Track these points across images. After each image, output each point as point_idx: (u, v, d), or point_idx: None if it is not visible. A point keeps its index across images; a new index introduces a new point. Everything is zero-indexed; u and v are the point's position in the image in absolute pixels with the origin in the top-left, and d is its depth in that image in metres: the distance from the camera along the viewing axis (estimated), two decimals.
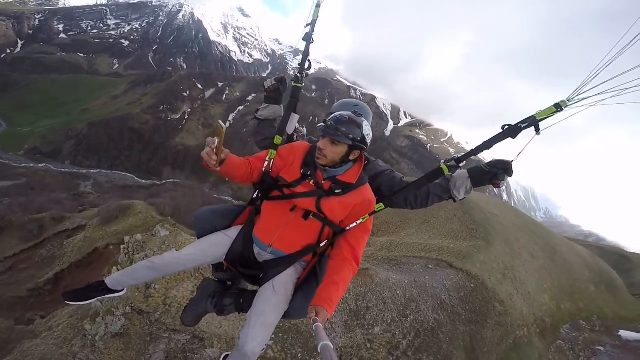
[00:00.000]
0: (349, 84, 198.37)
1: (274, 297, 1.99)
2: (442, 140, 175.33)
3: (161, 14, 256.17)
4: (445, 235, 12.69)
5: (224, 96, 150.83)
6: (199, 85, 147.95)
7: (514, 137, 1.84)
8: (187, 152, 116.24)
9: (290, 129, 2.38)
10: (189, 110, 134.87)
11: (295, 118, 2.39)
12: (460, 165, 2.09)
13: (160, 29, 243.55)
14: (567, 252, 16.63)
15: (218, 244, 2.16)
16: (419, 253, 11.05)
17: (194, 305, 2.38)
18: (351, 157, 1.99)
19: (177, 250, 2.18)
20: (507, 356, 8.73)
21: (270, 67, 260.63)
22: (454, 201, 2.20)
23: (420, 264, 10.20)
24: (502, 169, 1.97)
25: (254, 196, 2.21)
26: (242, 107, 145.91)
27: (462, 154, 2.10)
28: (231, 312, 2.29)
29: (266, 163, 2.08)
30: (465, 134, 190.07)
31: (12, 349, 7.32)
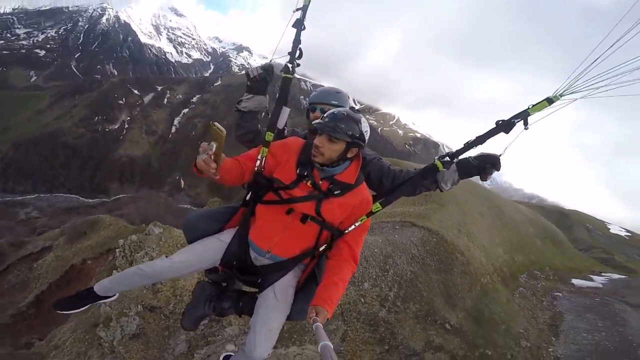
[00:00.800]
0: (298, 77, 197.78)
1: (276, 303, 1.98)
2: (391, 123, 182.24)
3: (80, 19, 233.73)
4: (405, 203, 13.91)
5: (165, 100, 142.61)
6: (136, 91, 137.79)
7: (507, 132, 1.83)
8: (133, 163, 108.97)
9: (281, 124, 2.25)
10: (128, 118, 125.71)
11: (286, 111, 2.25)
12: (454, 160, 2.04)
13: (82, 35, 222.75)
14: (512, 211, 18.47)
15: (211, 249, 2.09)
16: (385, 219, 12.29)
17: (192, 310, 2.34)
18: (349, 155, 1.92)
19: (167, 257, 2.11)
20: (479, 301, 9.85)
21: (212, 66, 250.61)
22: (441, 191, 2.20)
23: (389, 227, 11.43)
24: (490, 163, 1.96)
25: (247, 197, 2.11)
26: (187, 109, 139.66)
27: (456, 150, 2.05)
28: (230, 314, 2.28)
29: (258, 162, 1.97)
30: (411, 115, 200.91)
31: None
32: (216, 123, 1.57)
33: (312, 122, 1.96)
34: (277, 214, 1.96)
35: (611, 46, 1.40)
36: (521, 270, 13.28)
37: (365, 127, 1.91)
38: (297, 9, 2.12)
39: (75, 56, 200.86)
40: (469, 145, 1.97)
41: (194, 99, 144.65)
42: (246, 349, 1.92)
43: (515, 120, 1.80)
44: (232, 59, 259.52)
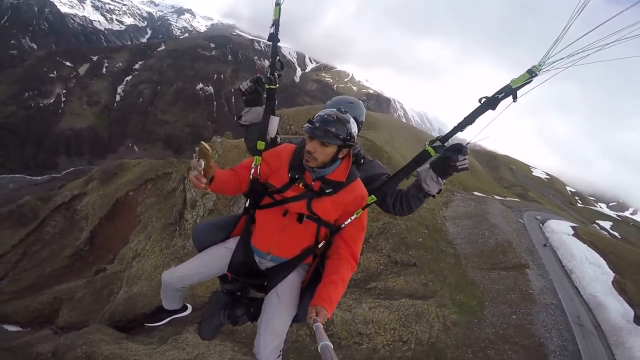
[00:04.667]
0: (251, 37, 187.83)
1: (279, 303, 2.01)
2: (346, 80, 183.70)
3: None
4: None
5: (104, 69, 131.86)
6: (68, 63, 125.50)
7: (493, 108, 1.84)
8: (79, 136, 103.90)
9: (271, 133, 2.32)
10: (64, 91, 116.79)
11: (274, 120, 2.33)
12: (445, 144, 2.07)
13: None
14: None
15: (218, 257, 2.17)
16: None
17: (208, 320, 2.42)
18: (340, 156, 1.96)
19: (175, 266, 2.22)
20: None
21: (149, 31, 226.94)
22: (433, 197, 2.25)
23: None
24: (454, 150, 2.03)
25: (247, 205, 2.19)
26: (130, 77, 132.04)
27: (445, 133, 2.09)
28: (244, 321, 2.32)
29: (252, 170, 2.06)
30: (364, 73, 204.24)
31: None
32: (203, 142, 1.71)
33: (302, 127, 1.95)
34: (274, 216, 2.03)
35: (579, 12, 1.47)
36: None
37: (354, 128, 1.95)
38: (272, 25, 2.23)
39: None
40: (458, 127, 1.97)
41: (137, 66, 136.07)
42: (255, 351, 1.95)
43: (499, 96, 1.81)
44: (172, 23, 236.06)
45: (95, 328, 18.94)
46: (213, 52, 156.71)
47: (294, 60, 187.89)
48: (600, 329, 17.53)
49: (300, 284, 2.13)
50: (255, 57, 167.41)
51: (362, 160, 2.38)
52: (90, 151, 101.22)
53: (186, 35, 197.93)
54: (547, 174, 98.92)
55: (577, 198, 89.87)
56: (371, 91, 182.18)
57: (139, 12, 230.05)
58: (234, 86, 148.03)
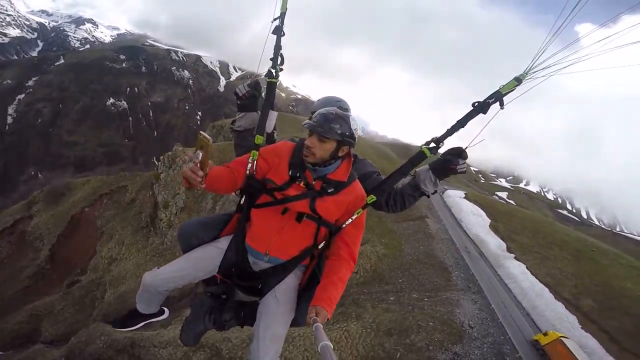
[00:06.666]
0: (167, 47, 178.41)
1: (278, 307, 1.94)
2: None
3: None
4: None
5: None
6: None
7: (485, 112, 1.91)
8: None
9: (269, 127, 2.26)
10: None
11: (273, 115, 2.27)
12: (440, 145, 2.08)
13: None
14: (363, 145, 30.34)
15: (208, 257, 2.04)
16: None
17: (191, 325, 2.25)
18: (340, 154, 1.93)
19: (158, 268, 2.07)
20: None
21: (40, 44, 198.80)
22: (427, 196, 2.26)
23: None
24: (454, 154, 2.06)
25: (241, 202, 2.09)
26: (23, 95, 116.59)
27: (439, 135, 2.08)
28: (232, 326, 2.22)
29: (249, 165, 1.98)
30: (291, 79, 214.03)
31: None
32: (202, 132, 1.57)
33: (302, 124, 1.92)
34: (273, 215, 1.97)
35: (563, 23, 1.59)
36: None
37: (354, 126, 1.93)
38: (275, 19, 2.15)
39: None
40: (451, 130, 2.02)
41: (30, 83, 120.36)
42: (252, 357, 1.87)
43: (490, 101, 1.90)
44: (69, 34, 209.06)
45: (98, 325, 20.18)
46: (124, 64, 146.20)
47: (217, 69, 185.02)
48: (484, 256, 24.50)
49: (297, 285, 2.09)
50: (174, 68, 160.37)
51: (354, 159, 2.28)
52: None
53: (87, 47, 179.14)
54: None
55: (480, 175, 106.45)
56: (299, 96, 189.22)
57: (27, 23, 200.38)
58: (150, 99, 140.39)
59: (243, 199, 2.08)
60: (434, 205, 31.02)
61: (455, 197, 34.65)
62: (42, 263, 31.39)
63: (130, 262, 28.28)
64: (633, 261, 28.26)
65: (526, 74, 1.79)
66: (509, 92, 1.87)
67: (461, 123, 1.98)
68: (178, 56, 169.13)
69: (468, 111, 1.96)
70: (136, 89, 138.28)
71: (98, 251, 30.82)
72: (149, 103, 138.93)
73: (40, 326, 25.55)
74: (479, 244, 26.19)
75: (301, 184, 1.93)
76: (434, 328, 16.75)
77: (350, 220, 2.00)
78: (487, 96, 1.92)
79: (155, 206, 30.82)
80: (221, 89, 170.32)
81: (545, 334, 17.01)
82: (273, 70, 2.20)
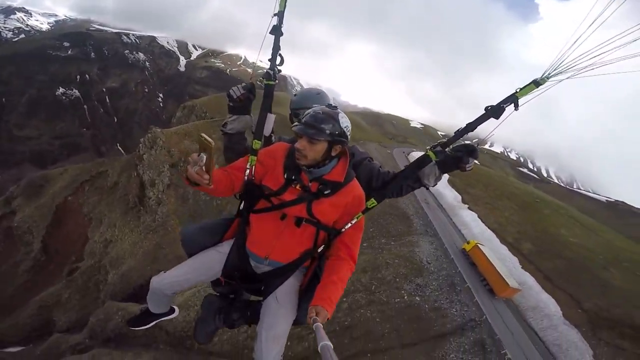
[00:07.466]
0: (117, 31, 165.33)
1: (279, 308, 1.99)
2: (239, 63, 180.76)
3: None
4: None
5: None
6: None
7: (497, 117, 1.83)
8: None
9: (267, 131, 2.19)
10: None
11: (271, 118, 2.19)
12: (447, 149, 2.05)
13: None
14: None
15: (211, 262, 2.09)
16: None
17: (202, 324, 2.34)
18: (333, 153, 1.90)
19: (164, 272, 2.12)
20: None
21: None
22: (426, 188, 2.23)
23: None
24: (466, 151, 1.99)
25: (240, 207, 2.11)
26: None
27: (447, 139, 2.06)
28: (241, 324, 2.27)
29: (247, 171, 1.97)
30: (257, 54, 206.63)
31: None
32: (203, 134, 1.54)
33: (291, 127, 1.91)
34: (272, 220, 1.97)
35: (590, 25, 1.46)
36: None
37: (345, 123, 1.89)
38: (274, 15, 2.04)
39: None
40: (459, 133, 1.95)
41: None
42: (255, 357, 1.92)
43: (504, 105, 1.81)
44: None
45: (112, 303, 20.69)
46: (70, 52, 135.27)
47: (175, 50, 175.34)
48: (442, 207, 27.81)
49: (298, 287, 2.12)
50: (127, 51, 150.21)
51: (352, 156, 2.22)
52: None
53: (22, 36, 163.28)
54: (422, 124, 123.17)
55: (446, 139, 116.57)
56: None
57: None
58: (104, 85, 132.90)
59: (242, 204, 2.10)
60: (399, 164, 33.42)
61: (417, 156, 39.81)
62: (37, 255, 31.84)
63: (126, 242, 28.96)
64: (571, 211, 32.15)
65: (547, 78, 1.70)
66: (525, 95, 1.78)
67: (470, 127, 1.93)
68: (130, 39, 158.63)
69: (479, 115, 1.89)
70: (87, 75, 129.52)
71: (90, 237, 31.30)
72: (104, 89, 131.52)
73: (51, 316, 26.17)
74: (438, 196, 29.34)
75: (297, 187, 1.92)
76: (399, 265, 20.09)
77: (350, 224, 1.99)
78: (501, 100, 1.83)
79: (142, 186, 31.32)
80: (182, 68, 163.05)
81: (467, 243, 22.13)
82: (271, 72, 2.11)
